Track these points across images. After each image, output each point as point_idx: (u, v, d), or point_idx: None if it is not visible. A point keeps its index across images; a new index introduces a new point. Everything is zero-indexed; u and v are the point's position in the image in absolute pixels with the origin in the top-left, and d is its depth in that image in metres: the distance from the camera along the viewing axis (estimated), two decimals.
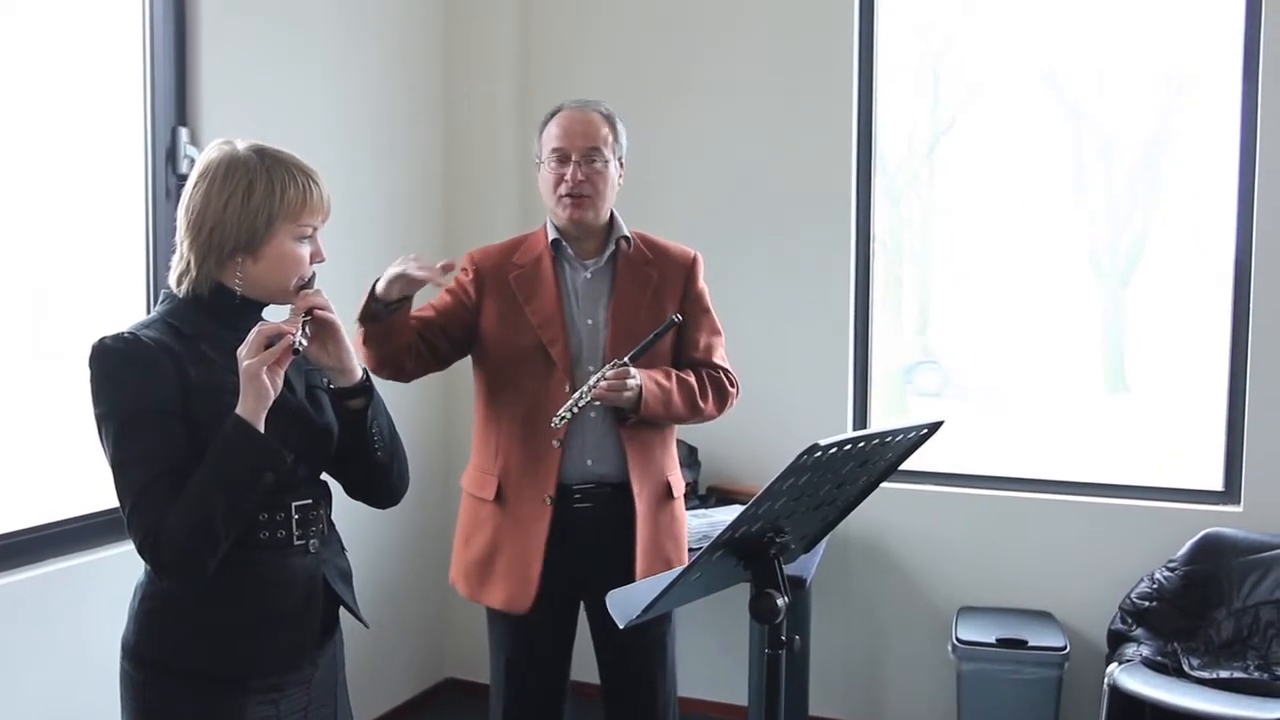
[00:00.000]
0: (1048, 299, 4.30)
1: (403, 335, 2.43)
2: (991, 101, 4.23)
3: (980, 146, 4.27)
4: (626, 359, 2.44)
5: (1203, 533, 3.46)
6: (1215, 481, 3.65)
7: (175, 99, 3.04)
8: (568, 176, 2.53)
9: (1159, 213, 4.23)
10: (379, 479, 1.96)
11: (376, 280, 2.36)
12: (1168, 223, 4.18)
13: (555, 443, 2.51)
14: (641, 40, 4.12)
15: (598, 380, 2.39)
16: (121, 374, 1.70)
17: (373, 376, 1.92)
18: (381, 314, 2.37)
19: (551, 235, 2.61)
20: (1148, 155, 4.19)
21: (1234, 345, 3.58)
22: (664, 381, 2.52)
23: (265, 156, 1.79)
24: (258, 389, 1.67)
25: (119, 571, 2.19)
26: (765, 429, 3.83)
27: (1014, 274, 4.33)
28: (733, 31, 4.02)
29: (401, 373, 2.52)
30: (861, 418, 3.97)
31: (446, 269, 2.30)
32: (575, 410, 2.38)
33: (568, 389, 2.47)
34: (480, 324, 2.59)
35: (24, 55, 2.82)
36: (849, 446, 1.66)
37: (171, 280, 1.82)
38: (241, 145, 1.80)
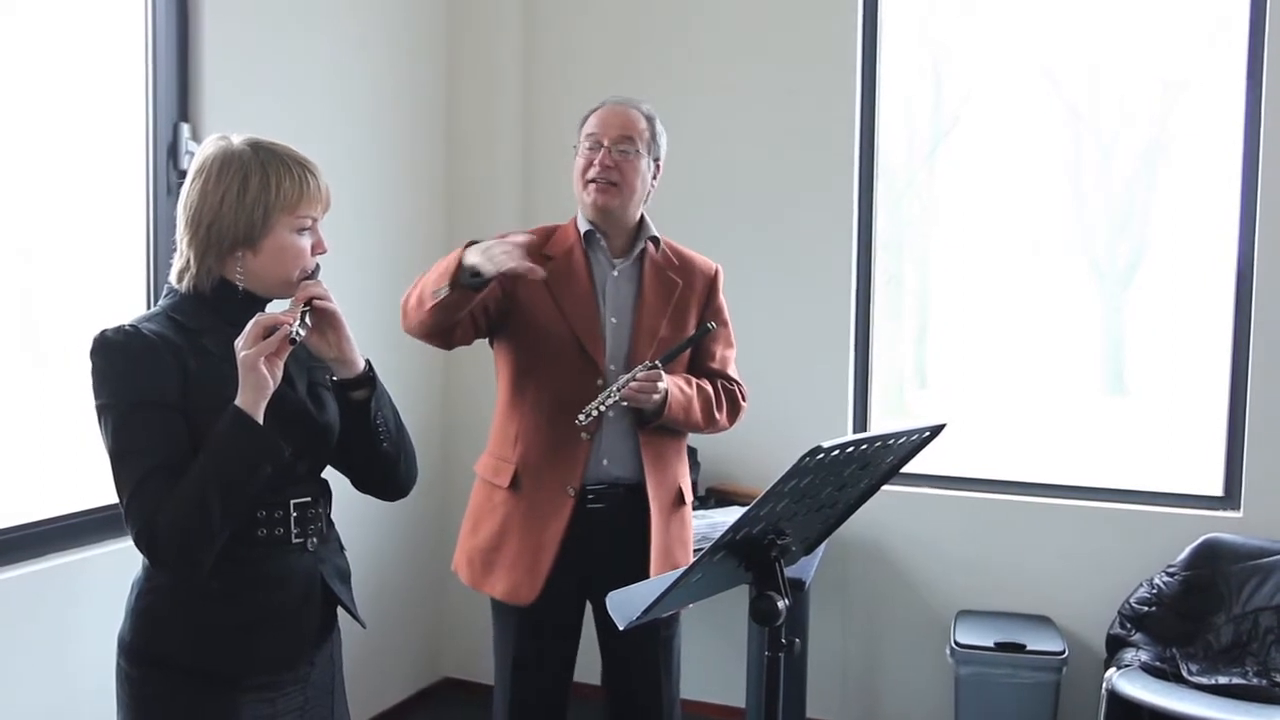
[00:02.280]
0: (1047, 302, 4.29)
1: (470, 304, 2.37)
2: (992, 104, 4.23)
3: (981, 149, 4.26)
4: (658, 361, 2.43)
5: (1202, 538, 3.46)
6: (1215, 487, 3.65)
7: (177, 95, 3.04)
8: (597, 160, 2.52)
9: (1159, 216, 4.23)
10: (386, 471, 1.95)
11: (466, 247, 2.28)
12: (1168, 226, 4.18)
13: (584, 435, 2.50)
14: (643, 42, 4.12)
15: (628, 380, 2.39)
16: (122, 366, 1.70)
17: (375, 368, 1.90)
18: (469, 284, 2.29)
19: (583, 228, 2.60)
20: (1148, 158, 4.19)
21: (1235, 350, 3.59)
22: (686, 389, 2.53)
23: (259, 150, 1.78)
24: (256, 380, 1.67)
25: (115, 568, 2.18)
26: (765, 431, 3.82)
27: (1014, 276, 4.33)
28: (735, 35, 4.02)
29: (449, 342, 2.50)
30: (861, 420, 3.97)
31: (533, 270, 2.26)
32: (603, 408, 2.38)
33: (600, 384, 2.47)
34: (513, 307, 2.55)
35: (26, 50, 2.81)
36: (851, 449, 1.65)
37: (172, 277, 1.82)
38: (237, 139, 1.80)
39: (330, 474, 1.95)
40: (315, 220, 1.83)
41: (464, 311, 2.38)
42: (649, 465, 2.56)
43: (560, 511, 2.50)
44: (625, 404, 2.44)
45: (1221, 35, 3.67)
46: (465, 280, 2.28)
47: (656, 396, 2.42)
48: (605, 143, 2.53)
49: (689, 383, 2.56)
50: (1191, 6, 3.86)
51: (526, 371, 2.57)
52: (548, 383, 2.54)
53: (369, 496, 2.05)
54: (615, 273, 2.61)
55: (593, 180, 2.53)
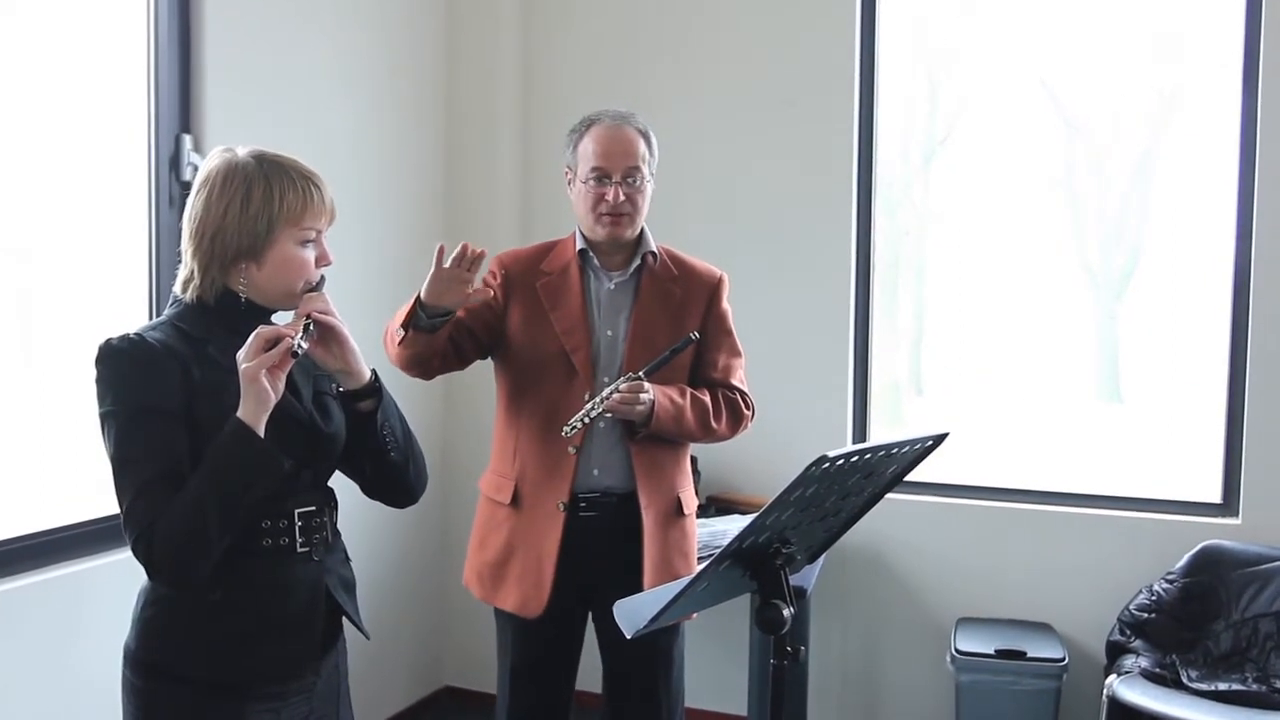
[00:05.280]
0: (1043, 310, 4.31)
1: (440, 339, 2.44)
2: (988, 113, 4.24)
3: (976, 158, 4.28)
4: (641, 373, 2.44)
5: (1201, 545, 3.47)
6: (1214, 494, 3.66)
7: (179, 106, 3.04)
8: (609, 196, 2.53)
9: (1154, 223, 4.25)
10: (395, 479, 1.96)
11: (420, 290, 2.35)
12: (1163, 233, 4.19)
13: (571, 449, 2.52)
14: (642, 48, 4.14)
15: (610, 392, 2.41)
16: (126, 374, 1.70)
17: (381, 377, 1.91)
18: (427, 325, 2.37)
19: (580, 245, 2.62)
20: (1143, 166, 4.21)
21: (1232, 357, 3.59)
22: (677, 398, 2.53)
23: (264, 162, 1.79)
24: (257, 392, 1.67)
25: (120, 578, 2.19)
26: (765, 440, 3.83)
27: (1009, 285, 4.34)
28: (734, 45, 4.03)
29: (428, 372, 2.54)
30: (861, 429, 3.97)
31: (482, 294, 2.33)
32: (586, 420, 2.40)
33: (586, 397, 2.48)
34: (506, 328, 2.60)
35: (28, 61, 2.82)
36: (856, 458, 1.67)
37: (177, 287, 1.82)
38: (242, 151, 1.80)
39: (337, 481, 1.95)
40: (320, 232, 1.84)
41: (433, 349, 2.44)
42: (641, 475, 2.57)
43: (554, 526, 2.53)
44: (610, 416, 2.45)
45: (1215, 45, 3.69)
46: (421, 323, 2.36)
47: (640, 408, 2.43)
48: (615, 177, 2.53)
49: (681, 393, 2.56)
50: (1187, 16, 3.88)
51: (521, 388, 2.61)
52: (541, 398, 2.57)
53: (371, 506, 2.05)
54: (611, 286, 2.62)
55: (606, 214, 2.54)
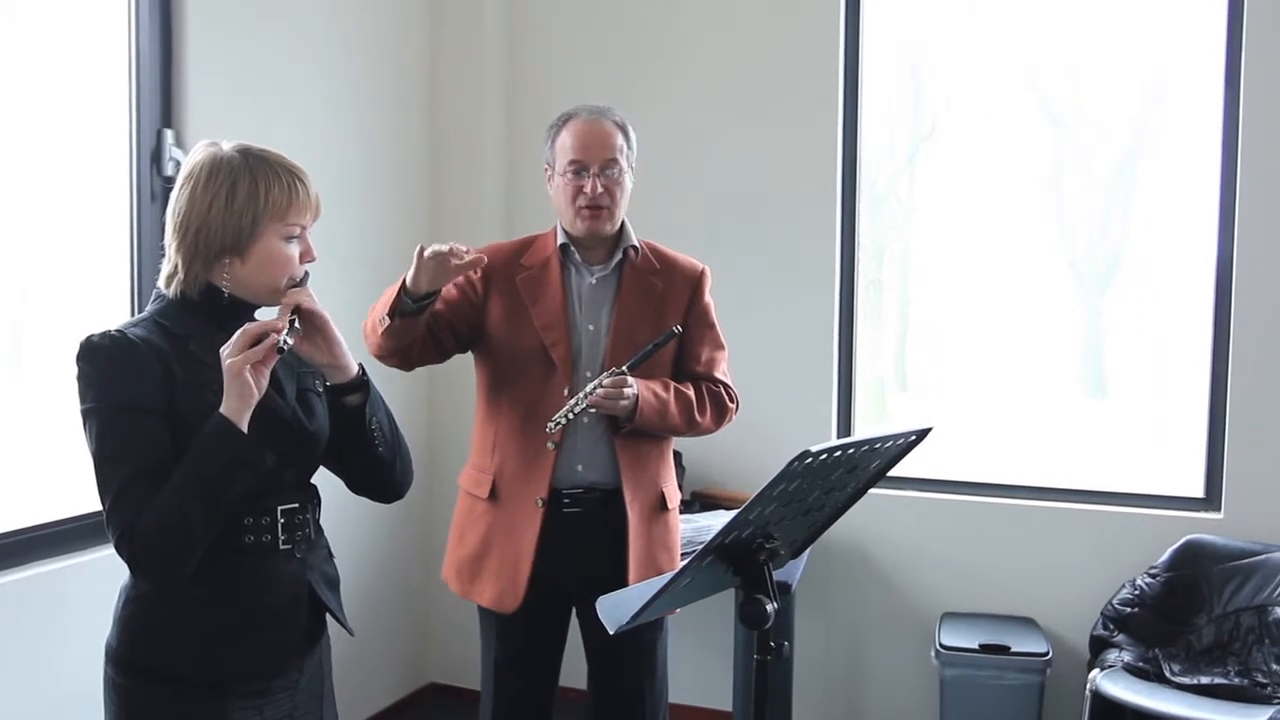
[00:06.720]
0: (1027, 304, 4.32)
1: (420, 327, 2.42)
2: (972, 108, 4.25)
3: (960, 153, 4.28)
4: (624, 367, 2.44)
5: (1184, 539, 3.49)
6: (1196, 488, 3.68)
7: (160, 101, 3.03)
8: (586, 189, 2.52)
9: (1138, 218, 4.26)
10: (382, 475, 1.95)
11: (405, 275, 2.33)
12: (1147, 228, 4.21)
13: (550, 445, 2.52)
14: (626, 41, 4.14)
15: (594, 387, 2.40)
16: (107, 370, 1.69)
17: (368, 372, 1.90)
18: (412, 309, 2.35)
19: (560, 239, 2.61)
20: (1127, 161, 4.22)
21: (1215, 353, 3.62)
22: (661, 392, 2.52)
23: (250, 156, 1.78)
24: (240, 388, 1.66)
25: (102, 575, 2.18)
26: (750, 435, 3.83)
27: (993, 280, 4.35)
28: (718, 36, 4.03)
29: (407, 363, 2.53)
30: (846, 424, 3.98)
31: (476, 262, 2.30)
32: (570, 416, 2.40)
33: (566, 393, 2.48)
34: (485, 322, 2.59)
35: (8, 56, 2.80)
36: (839, 453, 1.67)
37: (160, 282, 1.81)
38: (227, 146, 1.79)
39: (321, 478, 1.95)
40: (304, 228, 1.83)
41: (413, 335, 2.42)
42: (625, 469, 2.57)
43: (531, 522, 2.53)
44: (594, 411, 2.45)
45: (1199, 41, 3.70)
46: (407, 308, 2.34)
47: (624, 402, 2.43)
48: (593, 169, 2.52)
49: (665, 386, 2.56)
50: (1170, 12, 3.90)
51: (500, 382, 2.60)
52: (521, 393, 2.56)
53: (355, 502, 2.05)
54: (593, 280, 2.61)
55: (585, 208, 2.54)
